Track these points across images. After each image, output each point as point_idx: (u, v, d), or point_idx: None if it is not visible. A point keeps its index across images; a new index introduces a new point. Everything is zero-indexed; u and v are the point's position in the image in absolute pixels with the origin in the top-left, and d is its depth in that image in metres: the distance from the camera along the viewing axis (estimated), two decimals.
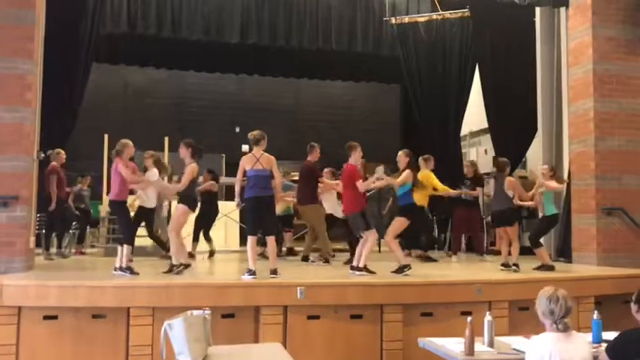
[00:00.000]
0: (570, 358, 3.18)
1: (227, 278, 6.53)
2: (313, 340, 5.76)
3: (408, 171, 7.10)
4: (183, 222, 6.73)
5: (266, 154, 6.49)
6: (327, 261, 8.31)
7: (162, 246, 8.40)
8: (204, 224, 9.07)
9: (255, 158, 6.40)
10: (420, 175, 7.93)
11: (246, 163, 6.42)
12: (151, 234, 8.48)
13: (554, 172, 7.63)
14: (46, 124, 7.40)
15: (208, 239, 9.15)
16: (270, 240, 6.47)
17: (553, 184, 7.43)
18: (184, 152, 6.75)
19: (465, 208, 9.38)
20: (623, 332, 3.53)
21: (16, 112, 6.59)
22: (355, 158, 6.98)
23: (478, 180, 9.55)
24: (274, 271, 6.24)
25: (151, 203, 8.08)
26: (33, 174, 6.85)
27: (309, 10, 12.07)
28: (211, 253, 9.11)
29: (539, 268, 7.32)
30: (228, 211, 10.42)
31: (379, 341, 5.90)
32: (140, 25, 10.91)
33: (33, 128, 6.82)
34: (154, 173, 7.88)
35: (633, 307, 3.66)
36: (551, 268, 7.28)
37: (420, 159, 8.62)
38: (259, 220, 6.41)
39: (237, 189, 6.83)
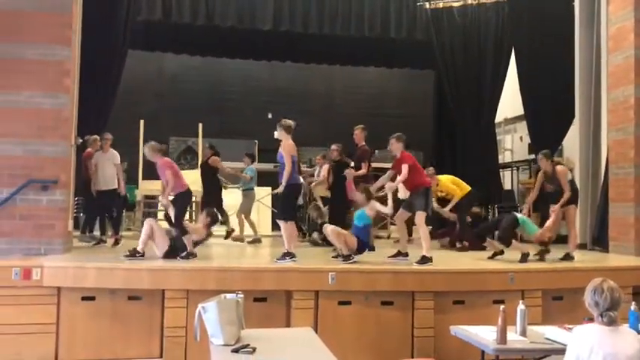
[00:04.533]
0: (615, 354, 2.97)
1: (260, 263, 6.58)
2: (344, 326, 5.80)
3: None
4: None
5: None
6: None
7: None
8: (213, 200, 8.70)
9: (295, 146, 6.56)
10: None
11: (294, 151, 6.56)
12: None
13: None
14: (83, 110, 7.55)
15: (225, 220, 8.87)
16: (292, 225, 6.60)
17: None
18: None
19: None
20: None
21: (55, 99, 6.72)
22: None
23: None
24: (291, 255, 6.33)
25: None
26: (71, 159, 7.01)
27: None
28: (228, 234, 8.90)
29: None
30: (261, 196, 10.49)
31: (410, 328, 5.91)
32: (175, 14, 11.01)
33: (71, 114, 6.97)
34: None
35: None
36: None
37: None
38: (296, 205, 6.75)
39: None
